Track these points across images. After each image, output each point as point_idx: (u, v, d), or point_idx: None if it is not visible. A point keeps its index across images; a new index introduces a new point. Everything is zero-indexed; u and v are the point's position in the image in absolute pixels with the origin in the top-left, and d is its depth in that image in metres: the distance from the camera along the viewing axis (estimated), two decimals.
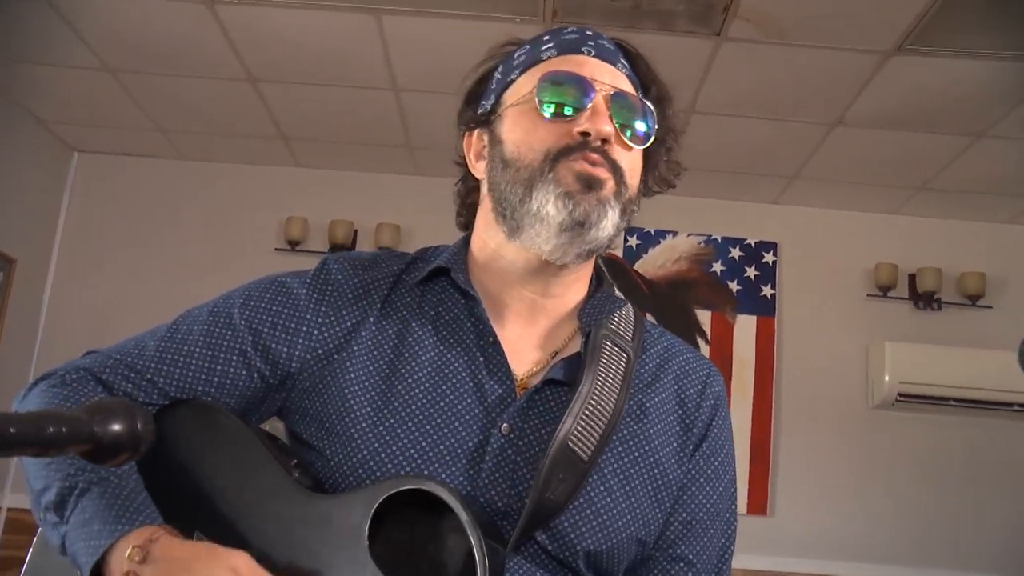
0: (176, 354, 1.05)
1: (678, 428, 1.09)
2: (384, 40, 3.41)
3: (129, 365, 1.04)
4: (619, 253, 4.52)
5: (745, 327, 4.42)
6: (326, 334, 1.06)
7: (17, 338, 4.22)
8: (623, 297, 1.17)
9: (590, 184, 1.01)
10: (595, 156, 1.02)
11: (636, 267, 4.52)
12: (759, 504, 4.23)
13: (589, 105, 1.03)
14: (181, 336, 1.07)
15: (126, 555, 0.88)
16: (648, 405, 1.08)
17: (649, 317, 4.41)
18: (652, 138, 1.08)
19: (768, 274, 4.49)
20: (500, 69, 1.13)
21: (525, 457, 1.00)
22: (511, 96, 1.08)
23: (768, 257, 4.52)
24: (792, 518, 4.23)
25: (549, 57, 1.08)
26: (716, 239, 4.55)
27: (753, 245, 4.53)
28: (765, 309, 4.45)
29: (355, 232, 4.53)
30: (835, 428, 4.33)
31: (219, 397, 1.05)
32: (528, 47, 1.12)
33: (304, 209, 4.53)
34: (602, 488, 1.01)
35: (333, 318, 1.07)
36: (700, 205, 4.58)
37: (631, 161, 1.07)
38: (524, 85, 1.07)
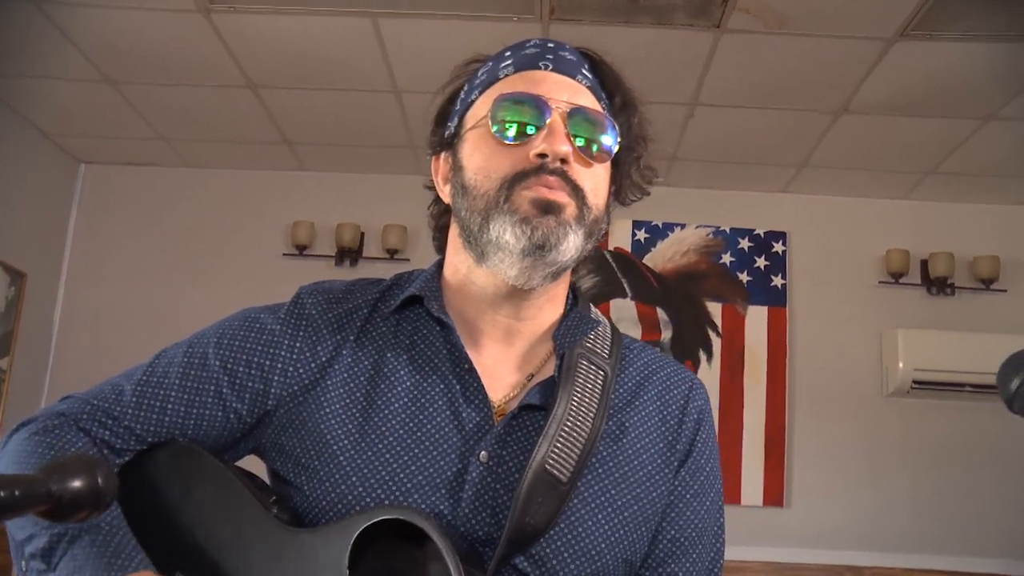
0: (152, 399, 1.04)
1: (661, 445, 1.07)
2: (382, 43, 3.40)
3: (106, 412, 1.03)
4: (627, 247, 4.50)
5: (756, 318, 4.39)
6: (301, 370, 1.05)
7: (30, 350, 4.25)
8: (599, 315, 1.15)
9: (547, 209, 0.99)
10: (552, 179, 0.99)
11: (645, 261, 4.49)
12: (775, 496, 4.20)
13: (546, 124, 1.00)
14: (157, 380, 1.06)
15: None
16: (629, 423, 1.06)
17: (660, 311, 4.41)
18: (615, 150, 1.05)
19: (778, 264, 4.46)
20: (464, 88, 1.11)
21: (505, 484, 0.99)
22: (470, 118, 1.07)
23: (778, 247, 4.48)
24: (808, 509, 4.20)
25: (506, 75, 1.05)
26: (725, 230, 4.51)
27: (762, 235, 4.49)
28: (776, 299, 4.42)
29: (362, 234, 4.53)
30: (849, 417, 4.29)
31: (197, 438, 1.05)
32: (490, 64, 1.10)
33: (310, 213, 4.52)
34: (583, 512, 0.99)
35: (308, 353, 1.06)
36: (708, 196, 4.54)
37: (594, 179, 1.04)
38: (482, 107, 1.05)
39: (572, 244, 1.01)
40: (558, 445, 0.98)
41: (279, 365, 1.05)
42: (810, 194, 4.53)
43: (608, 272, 4.48)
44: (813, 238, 4.50)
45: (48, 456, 0.96)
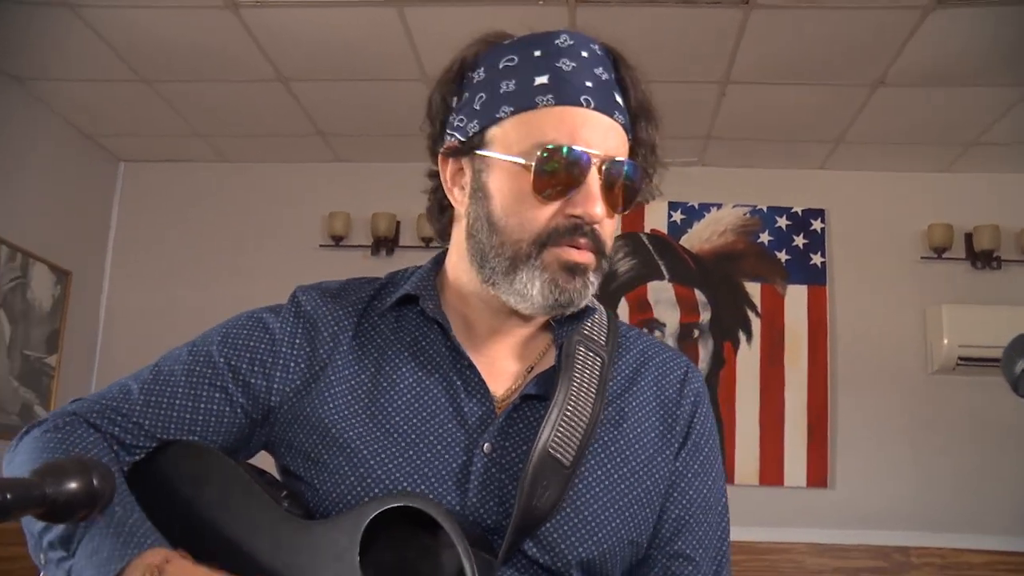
0: (160, 396, 1.06)
1: (660, 427, 1.10)
2: (408, 32, 3.40)
3: (115, 409, 1.05)
4: (664, 229, 4.46)
5: (796, 297, 4.33)
6: (302, 365, 1.08)
7: (77, 347, 4.34)
8: (594, 302, 1.16)
9: (574, 271, 1.02)
10: (583, 241, 1.02)
11: (681, 242, 4.45)
12: (818, 477, 4.15)
13: (585, 181, 1.01)
14: (164, 378, 1.08)
15: (140, 575, 0.89)
16: (627, 408, 1.09)
17: (698, 292, 4.38)
18: (638, 196, 1.07)
19: (817, 242, 4.39)
20: (483, 75, 1.07)
21: (509, 474, 1.01)
22: (499, 142, 1.04)
23: (816, 225, 4.41)
24: (852, 489, 4.15)
25: (545, 104, 1.02)
26: (762, 209, 4.45)
27: (800, 213, 4.43)
28: (816, 278, 4.35)
29: (397, 224, 4.54)
30: (893, 396, 4.22)
31: (205, 435, 1.06)
32: (515, 60, 1.05)
33: (346, 204, 4.55)
34: (587, 495, 1.02)
35: (308, 349, 1.08)
36: (744, 175, 4.49)
37: (613, 226, 1.07)
38: (516, 137, 1.03)
39: (589, 294, 1.06)
40: (560, 429, 1.00)
41: (280, 361, 1.08)
42: (848, 170, 4.45)
43: (645, 254, 4.45)
44: (852, 215, 4.43)
45: (60, 452, 0.98)
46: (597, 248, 1.03)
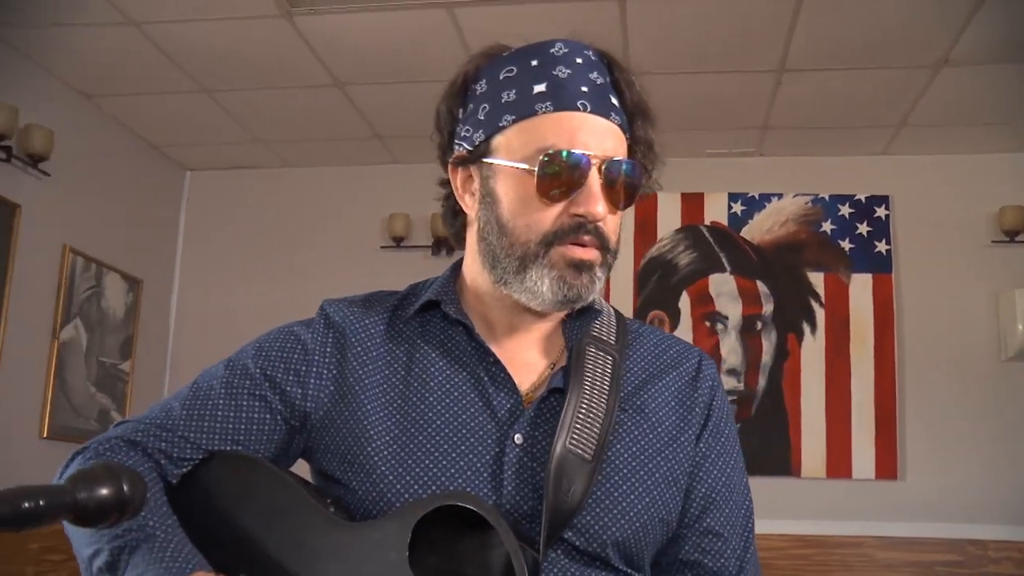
0: (202, 408, 1.11)
1: (681, 411, 1.15)
2: (460, 32, 3.43)
3: (160, 426, 1.09)
4: (724, 221, 4.42)
5: (861, 286, 4.25)
6: (334, 372, 1.12)
7: (149, 353, 4.48)
8: (602, 303, 1.21)
9: (581, 267, 1.08)
10: (587, 239, 1.07)
11: (742, 234, 4.40)
12: (888, 468, 4.07)
13: (586, 182, 1.06)
14: (204, 393, 1.12)
15: None
16: (647, 397, 1.14)
17: (760, 284, 4.32)
18: (639, 192, 1.12)
19: (881, 229, 4.30)
20: (485, 88, 1.12)
21: (540, 462, 1.05)
22: (503, 150, 1.09)
23: (880, 211, 4.32)
24: (923, 481, 4.06)
25: (544, 111, 1.07)
26: (823, 198, 4.38)
27: (863, 200, 4.34)
28: (881, 266, 4.26)
29: None
30: (965, 384, 4.11)
31: (248, 444, 1.10)
32: (514, 71, 1.10)
33: (406, 205, 4.60)
34: (617, 479, 1.07)
35: (338, 356, 1.13)
36: (804, 164, 4.42)
37: (617, 221, 1.12)
38: (519, 144, 1.08)
39: (597, 287, 1.12)
40: (577, 428, 1.05)
41: (314, 369, 1.12)
42: (912, 154, 4.35)
43: (705, 247, 4.41)
44: (918, 200, 4.32)
45: None
46: (601, 244, 1.09)
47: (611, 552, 1.04)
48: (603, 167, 1.06)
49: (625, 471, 1.07)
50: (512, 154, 1.08)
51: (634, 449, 1.09)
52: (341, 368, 1.12)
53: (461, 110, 1.15)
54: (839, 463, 4.10)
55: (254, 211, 4.78)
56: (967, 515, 3.98)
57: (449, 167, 1.17)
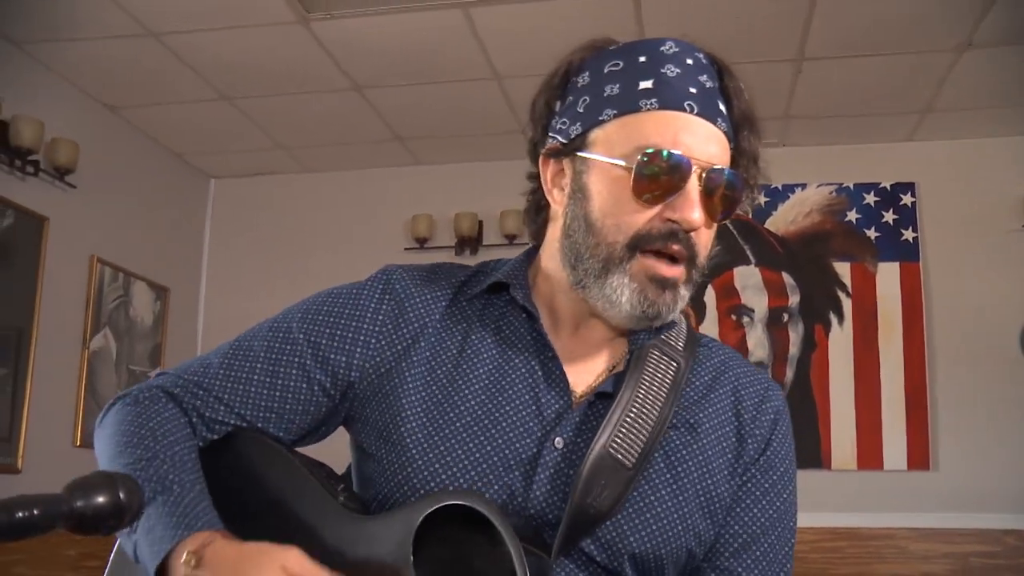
0: (239, 371, 1.08)
1: (735, 439, 1.08)
2: (476, 32, 3.43)
3: (196, 383, 1.08)
4: (748, 214, 4.38)
5: (888, 275, 4.20)
6: (383, 342, 1.08)
7: (178, 360, 4.48)
8: (677, 315, 1.13)
9: (664, 285, 1.02)
10: (677, 248, 1.01)
11: (767, 225, 4.37)
12: (919, 458, 4.02)
13: (685, 186, 1.00)
14: (243, 353, 1.09)
15: (182, 560, 0.91)
16: (702, 415, 1.07)
17: (785, 275, 4.28)
18: (738, 205, 1.05)
19: (908, 217, 4.24)
20: (588, 83, 1.07)
21: (577, 470, 1.00)
22: (601, 144, 1.04)
23: (906, 199, 4.26)
24: (957, 471, 3.99)
25: (648, 108, 1.01)
26: (848, 187, 4.33)
27: (889, 188, 4.29)
28: (908, 254, 4.21)
29: (480, 223, 4.58)
30: (996, 372, 4.04)
31: (283, 411, 1.08)
32: (620, 64, 1.05)
33: (428, 206, 4.61)
34: (651, 494, 1.01)
35: (391, 326, 1.08)
36: (827, 153, 4.38)
37: (710, 236, 1.06)
38: (618, 139, 1.02)
39: (679, 308, 1.05)
40: (622, 430, 1.00)
41: (361, 337, 1.08)
42: (938, 140, 4.29)
43: (729, 240, 4.38)
44: (945, 186, 4.26)
45: (140, 427, 1.01)
46: (690, 256, 1.02)
47: (627, 566, 0.99)
48: (704, 174, 1.00)
49: (664, 491, 1.01)
50: (610, 149, 1.02)
51: (679, 469, 1.03)
52: (391, 340, 1.08)
53: (559, 103, 1.10)
54: (870, 454, 4.06)
55: (278, 216, 4.82)
56: (1003, 505, 3.91)
57: (540, 159, 1.10)
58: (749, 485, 1.06)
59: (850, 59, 3.60)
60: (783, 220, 4.36)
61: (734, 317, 4.30)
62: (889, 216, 4.26)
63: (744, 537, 1.05)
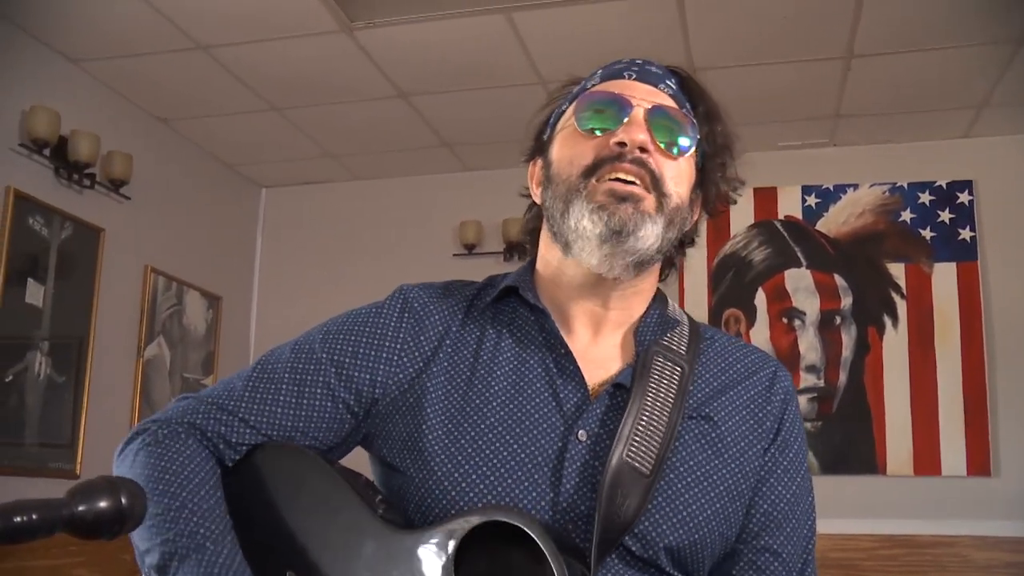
0: (264, 392, 1.09)
1: (751, 423, 1.11)
2: (520, 37, 3.43)
3: (220, 407, 1.08)
4: (798, 215, 4.31)
5: (944, 276, 4.10)
6: (405, 359, 1.10)
7: (231, 368, 4.58)
8: (680, 313, 1.19)
9: (623, 198, 1.04)
10: (629, 166, 1.04)
11: (818, 227, 4.29)
12: (980, 464, 3.90)
13: (626, 120, 1.06)
14: (267, 375, 1.11)
15: None
16: (717, 406, 1.10)
17: (837, 278, 4.20)
18: (693, 148, 1.10)
19: (965, 216, 4.14)
20: (561, 106, 1.18)
21: (603, 460, 1.02)
22: (561, 124, 1.14)
23: (963, 197, 4.16)
24: (1020, 477, 3.88)
25: (593, 85, 1.13)
26: (902, 186, 4.23)
27: (944, 187, 4.19)
28: (965, 254, 4.10)
29: None
30: None
31: (308, 430, 1.09)
32: (583, 81, 1.17)
33: (476, 212, 4.62)
34: (679, 487, 1.03)
35: (411, 343, 1.11)
36: (879, 152, 4.29)
37: (675, 169, 1.08)
38: (568, 113, 1.13)
39: (651, 232, 1.05)
40: (636, 440, 1.02)
41: (384, 355, 1.10)
42: (996, 136, 4.17)
43: (780, 242, 4.31)
44: (1003, 183, 4.14)
45: (167, 470, 1.02)
46: (649, 180, 1.05)
47: (664, 558, 1.01)
48: (648, 110, 1.07)
49: (688, 480, 1.04)
50: (564, 122, 1.13)
51: (700, 458, 1.06)
52: (413, 356, 1.10)
53: (543, 135, 1.20)
54: (927, 460, 3.95)
55: (328, 224, 4.87)
56: None
57: (528, 168, 1.19)
58: (771, 465, 1.10)
59: (901, 55, 3.53)
60: (835, 221, 4.29)
61: (785, 320, 4.23)
62: (945, 215, 4.16)
63: (774, 514, 1.08)
